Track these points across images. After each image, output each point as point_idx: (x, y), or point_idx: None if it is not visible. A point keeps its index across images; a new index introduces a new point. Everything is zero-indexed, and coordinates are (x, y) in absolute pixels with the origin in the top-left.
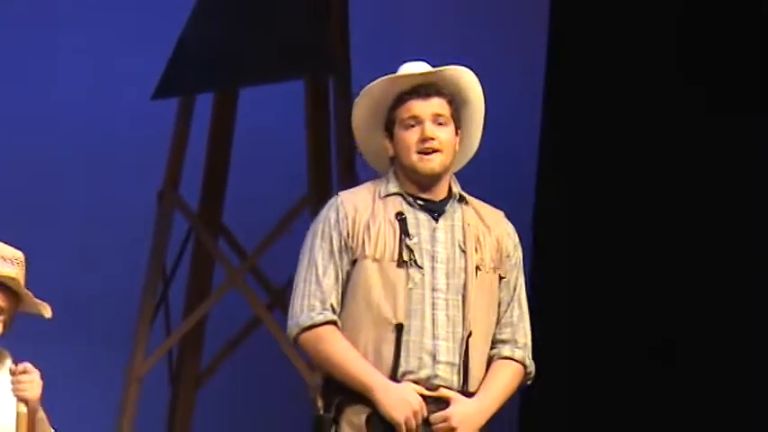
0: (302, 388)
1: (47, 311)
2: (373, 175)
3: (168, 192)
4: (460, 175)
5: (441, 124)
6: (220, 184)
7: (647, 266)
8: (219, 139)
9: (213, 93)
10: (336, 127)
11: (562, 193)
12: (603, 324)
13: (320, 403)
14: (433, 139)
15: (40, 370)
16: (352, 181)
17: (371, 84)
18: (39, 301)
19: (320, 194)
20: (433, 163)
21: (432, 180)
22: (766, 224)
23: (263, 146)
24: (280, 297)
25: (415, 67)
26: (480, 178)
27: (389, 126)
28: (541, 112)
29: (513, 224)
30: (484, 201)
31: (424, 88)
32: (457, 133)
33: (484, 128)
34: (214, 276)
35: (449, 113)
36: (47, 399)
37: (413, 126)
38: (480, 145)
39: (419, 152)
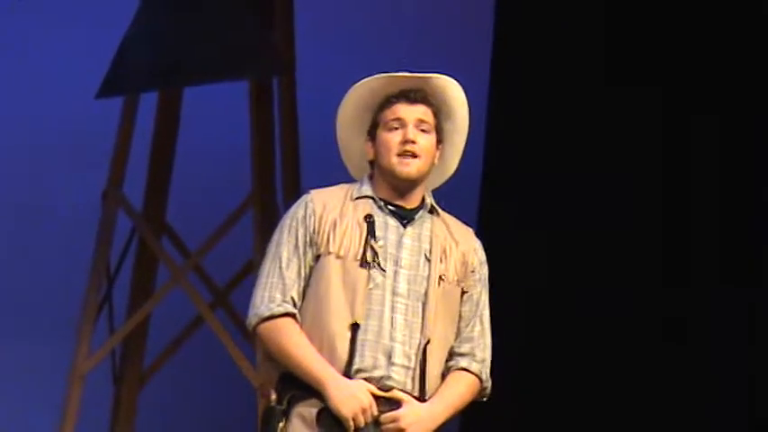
0: (246, 388)
1: None
2: (318, 176)
3: (112, 191)
4: None
5: (423, 131)
6: (164, 184)
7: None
8: (164, 138)
9: (157, 92)
10: (281, 127)
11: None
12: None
13: (273, 396)
14: (414, 142)
15: None
16: (296, 181)
17: (360, 82)
18: None
19: (264, 194)
20: (411, 167)
21: (407, 185)
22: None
23: (208, 145)
24: (223, 296)
25: (402, 72)
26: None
27: (372, 129)
28: (485, 126)
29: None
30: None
31: (412, 93)
32: (438, 147)
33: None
34: (158, 275)
35: (432, 123)
36: None
37: (396, 129)
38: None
39: (399, 154)
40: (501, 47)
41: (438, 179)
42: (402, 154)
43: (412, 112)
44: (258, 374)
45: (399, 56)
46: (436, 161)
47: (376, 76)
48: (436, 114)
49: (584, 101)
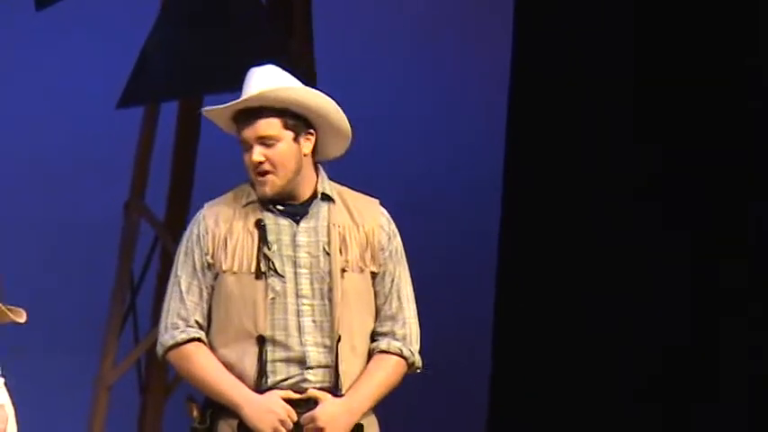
0: None
1: (21, 317)
2: (341, 180)
3: (134, 201)
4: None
5: (269, 145)
6: (186, 193)
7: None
8: (185, 147)
9: (178, 101)
10: None
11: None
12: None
13: (196, 414)
14: (261, 162)
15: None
16: None
17: (204, 112)
18: (11, 309)
19: None
20: (265, 186)
21: (278, 195)
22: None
23: (228, 153)
24: None
25: (258, 79)
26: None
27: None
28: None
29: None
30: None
31: (248, 112)
32: (298, 139)
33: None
34: None
35: (279, 128)
36: (16, 408)
37: (247, 150)
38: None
39: (256, 174)
40: (522, 41)
41: (338, 147)
42: (257, 174)
43: (252, 132)
44: None
45: (417, 63)
46: (306, 150)
47: (206, 110)
48: (282, 115)
49: (609, 99)
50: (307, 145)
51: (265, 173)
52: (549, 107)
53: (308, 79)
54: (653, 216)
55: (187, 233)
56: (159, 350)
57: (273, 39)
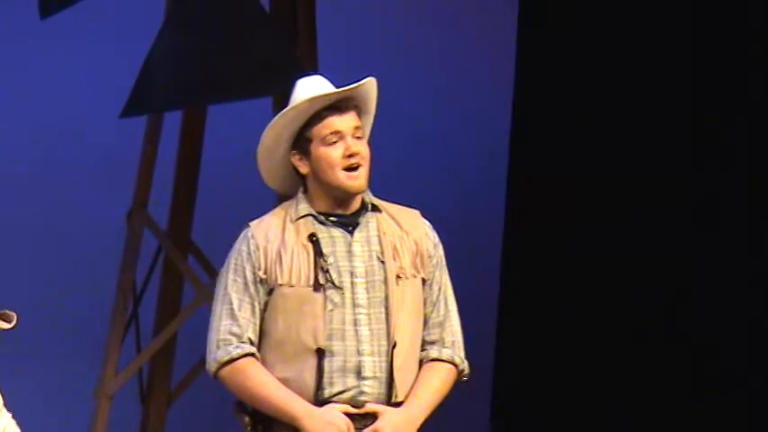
0: None
1: (11, 322)
2: None
3: (137, 210)
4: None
5: (359, 138)
6: (189, 202)
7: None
8: (188, 156)
9: (182, 110)
10: None
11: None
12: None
13: (248, 420)
14: (357, 153)
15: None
16: None
17: (291, 106)
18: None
19: None
20: (360, 179)
21: (354, 197)
22: None
23: (232, 163)
24: None
25: (316, 85)
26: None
27: (302, 144)
28: (509, 139)
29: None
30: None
31: (342, 102)
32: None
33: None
34: (184, 293)
35: (362, 125)
36: (18, 417)
37: (335, 142)
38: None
39: (345, 168)
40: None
41: None
42: (348, 168)
43: (347, 123)
44: None
45: (422, 67)
46: None
47: (310, 97)
48: (359, 115)
49: (612, 97)
50: None
51: (358, 166)
52: (554, 108)
53: None
54: (658, 220)
55: (234, 252)
56: (212, 366)
57: (279, 47)
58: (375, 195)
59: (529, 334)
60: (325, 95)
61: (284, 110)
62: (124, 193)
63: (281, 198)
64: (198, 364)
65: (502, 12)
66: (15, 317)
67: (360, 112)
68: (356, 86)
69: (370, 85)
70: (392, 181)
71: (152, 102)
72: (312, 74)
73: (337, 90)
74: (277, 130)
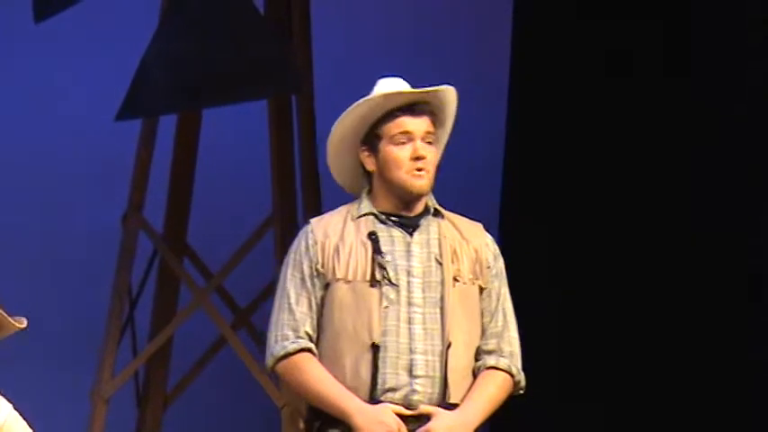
0: (269, 407)
1: (22, 324)
2: (338, 195)
3: (132, 214)
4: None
5: (429, 143)
6: (184, 205)
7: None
8: (183, 159)
9: (177, 113)
10: (300, 146)
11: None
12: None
13: (303, 426)
14: (424, 157)
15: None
16: (316, 200)
17: (364, 100)
18: (12, 319)
19: (285, 214)
20: (423, 181)
21: (417, 198)
22: None
23: (227, 166)
24: (245, 317)
25: (393, 85)
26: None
27: (372, 140)
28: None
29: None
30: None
31: (417, 105)
32: (437, 148)
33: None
34: (180, 297)
35: (434, 132)
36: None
37: (404, 143)
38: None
39: (410, 170)
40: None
41: None
42: (413, 170)
43: (419, 125)
44: (282, 394)
45: (416, 69)
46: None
47: (385, 92)
48: (434, 122)
49: (606, 97)
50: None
51: (423, 170)
52: (549, 107)
53: (307, 89)
54: (656, 220)
55: (294, 247)
56: (269, 361)
57: (274, 50)
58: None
59: (527, 332)
60: (399, 93)
61: (357, 102)
62: (119, 197)
63: (282, 201)
64: (193, 367)
65: (497, 13)
66: (25, 320)
67: (435, 121)
68: (432, 90)
69: (447, 94)
70: None
71: (147, 105)
72: (299, 77)
73: (411, 90)
74: (348, 123)
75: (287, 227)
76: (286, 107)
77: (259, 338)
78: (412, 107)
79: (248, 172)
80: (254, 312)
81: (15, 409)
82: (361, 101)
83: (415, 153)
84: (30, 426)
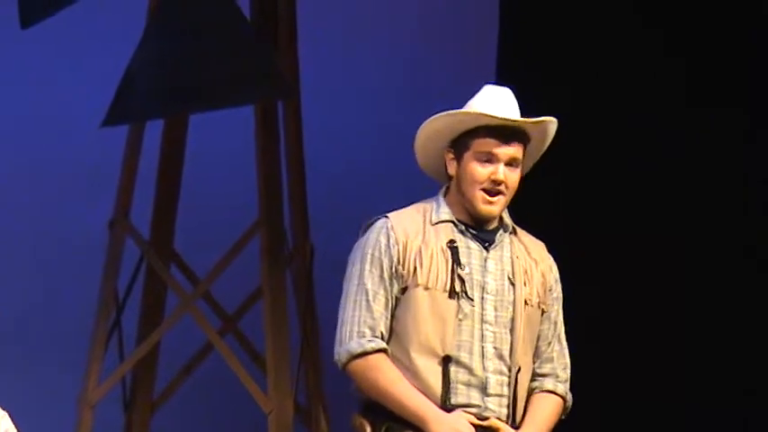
0: (256, 413)
1: None
2: (324, 201)
3: (119, 219)
4: None
5: (512, 166)
6: (171, 211)
7: None
8: (170, 165)
9: (163, 119)
10: (287, 152)
11: None
12: None
13: (368, 428)
14: (503, 182)
15: None
16: (303, 206)
17: (458, 113)
18: None
19: (271, 220)
20: (495, 206)
21: (488, 220)
22: None
23: (214, 171)
24: (232, 322)
25: (500, 99)
26: None
27: (459, 146)
28: None
29: None
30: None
31: (510, 131)
32: (522, 170)
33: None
34: (167, 302)
35: (521, 156)
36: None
37: (485, 162)
38: None
39: (484, 190)
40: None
41: None
42: (488, 191)
43: (505, 151)
44: (268, 400)
45: (404, 80)
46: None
47: (480, 113)
48: (526, 147)
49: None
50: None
51: (498, 193)
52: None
53: (294, 95)
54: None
55: (371, 241)
56: (343, 357)
57: (260, 55)
58: (371, 193)
59: None
60: (504, 120)
61: (454, 111)
62: (106, 203)
63: (268, 207)
64: (180, 373)
65: (482, 32)
66: None
67: (527, 146)
68: (536, 122)
69: (549, 126)
70: (383, 184)
71: (134, 110)
72: (286, 83)
73: (514, 120)
74: (436, 127)
75: (273, 233)
76: (273, 113)
77: (246, 344)
78: (504, 132)
79: (235, 178)
80: (241, 318)
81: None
82: (456, 111)
83: (495, 175)
84: None
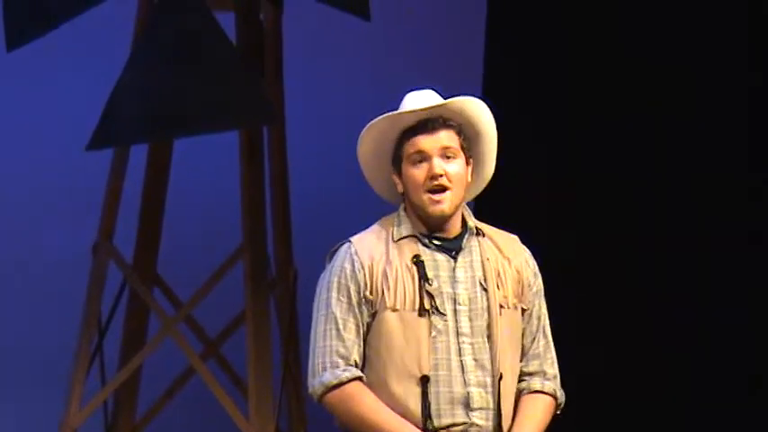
0: None
1: None
2: (308, 227)
3: (102, 243)
4: None
5: (449, 158)
6: (155, 235)
7: None
8: (154, 189)
9: (148, 144)
10: (271, 177)
11: None
12: None
13: None
14: (441, 175)
15: None
16: (287, 231)
17: (374, 121)
18: None
19: (255, 244)
20: (443, 205)
21: (443, 220)
22: None
23: (198, 196)
24: (215, 347)
25: (419, 99)
26: None
27: (397, 161)
28: None
29: None
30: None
31: (429, 122)
32: (468, 163)
33: (498, 155)
34: (149, 326)
35: (458, 144)
36: None
37: (420, 162)
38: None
39: (428, 191)
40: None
41: (474, 191)
42: (431, 190)
43: (434, 142)
44: (250, 425)
45: (389, 98)
46: (469, 178)
47: (388, 114)
48: (460, 133)
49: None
50: (469, 172)
51: (443, 189)
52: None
53: (279, 122)
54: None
55: (335, 269)
56: (318, 389)
57: (246, 81)
58: (355, 219)
59: None
60: (399, 114)
61: (370, 123)
62: (90, 226)
63: (252, 232)
64: (162, 397)
65: (468, 56)
66: None
67: (461, 131)
68: (432, 106)
69: (462, 104)
70: (368, 211)
71: (118, 135)
72: (270, 109)
73: (411, 109)
74: (364, 147)
75: (257, 257)
76: (257, 138)
77: (228, 369)
78: (425, 124)
79: (219, 202)
80: (223, 343)
81: None
82: (368, 125)
83: (431, 172)
84: None
